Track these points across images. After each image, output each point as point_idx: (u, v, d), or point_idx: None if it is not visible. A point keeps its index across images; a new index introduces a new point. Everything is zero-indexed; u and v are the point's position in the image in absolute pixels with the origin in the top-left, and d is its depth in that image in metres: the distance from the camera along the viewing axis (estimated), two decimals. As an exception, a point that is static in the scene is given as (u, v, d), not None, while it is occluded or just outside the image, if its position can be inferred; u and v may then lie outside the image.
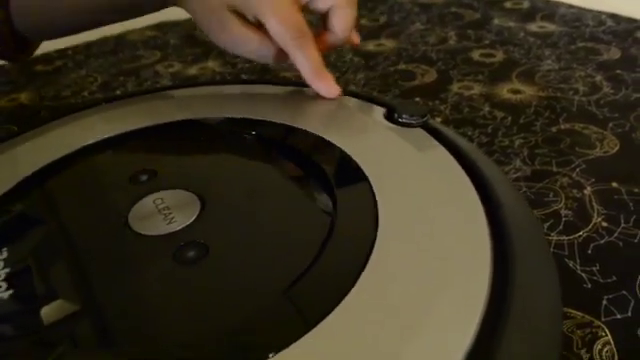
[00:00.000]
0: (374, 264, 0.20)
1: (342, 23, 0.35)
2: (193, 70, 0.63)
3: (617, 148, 0.43)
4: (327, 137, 0.29)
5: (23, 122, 0.56)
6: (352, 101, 0.33)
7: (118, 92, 0.61)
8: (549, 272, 0.22)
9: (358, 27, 0.39)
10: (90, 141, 0.31)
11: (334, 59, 0.61)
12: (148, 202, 0.25)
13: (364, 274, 0.20)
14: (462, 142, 0.29)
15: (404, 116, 0.31)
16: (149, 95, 0.36)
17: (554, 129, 0.46)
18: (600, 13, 0.70)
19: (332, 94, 0.34)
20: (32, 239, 0.24)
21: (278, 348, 0.18)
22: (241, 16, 0.34)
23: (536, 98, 0.51)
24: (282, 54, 0.34)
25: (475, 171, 0.26)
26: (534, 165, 0.41)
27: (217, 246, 0.22)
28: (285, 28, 0.33)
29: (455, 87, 0.54)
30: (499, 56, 0.61)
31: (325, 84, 0.34)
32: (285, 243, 0.23)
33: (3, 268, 0.22)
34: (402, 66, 0.59)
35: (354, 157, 0.28)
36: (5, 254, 0.23)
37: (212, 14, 0.34)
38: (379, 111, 0.32)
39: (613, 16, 0.69)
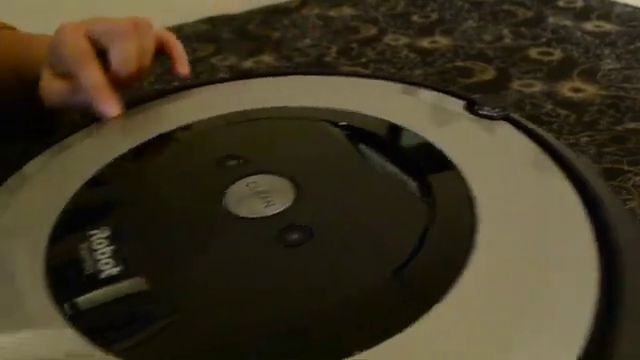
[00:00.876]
0: (481, 251, 0.21)
1: (117, 56, 0.34)
2: (249, 63, 0.64)
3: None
4: (411, 128, 0.30)
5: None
6: (432, 93, 0.34)
7: (176, 84, 0.62)
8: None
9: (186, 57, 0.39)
10: (176, 126, 0.31)
11: (389, 55, 0.61)
12: (242, 186, 0.26)
13: (472, 259, 0.20)
14: (545, 134, 0.29)
15: (485, 108, 0.31)
16: (232, 83, 0.37)
17: (620, 128, 0.46)
18: (658, 13, 0.69)
19: (111, 113, 0.34)
20: (132, 219, 0.25)
21: (393, 331, 0.18)
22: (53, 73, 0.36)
23: (599, 97, 0.51)
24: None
25: (565, 163, 0.26)
26: (603, 163, 0.41)
27: (321, 229, 0.23)
28: (68, 51, 0.34)
29: (515, 84, 0.54)
30: (557, 54, 0.60)
31: (105, 103, 0.34)
32: (385, 228, 0.23)
33: (108, 245, 0.23)
34: (459, 63, 0.59)
35: (440, 146, 0.28)
36: (107, 232, 0.24)
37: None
38: (459, 104, 0.32)
39: (672, 16, 0.67)
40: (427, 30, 0.69)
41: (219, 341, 0.19)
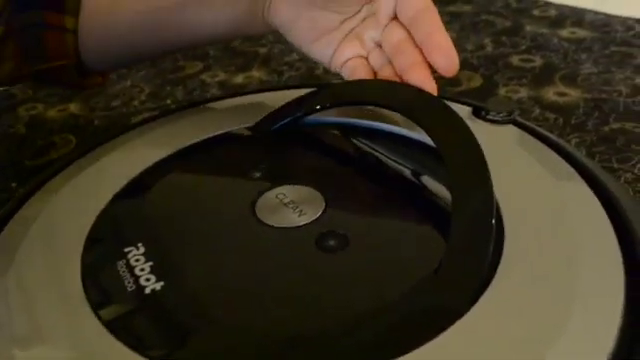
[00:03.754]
0: (509, 255, 0.22)
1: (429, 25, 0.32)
2: (239, 79, 0.65)
3: (670, 146, 0.45)
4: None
5: (79, 131, 0.58)
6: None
7: (168, 101, 0.62)
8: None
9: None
10: (201, 138, 0.32)
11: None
12: (272, 196, 0.27)
13: (502, 262, 0.21)
14: (551, 135, 0.31)
15: (492, 113, 0.33)
16: (247, 96, 0.38)
17: (606, 128, 0.48)
18: (627, 19, 0.72)
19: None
20: (168, 231, 0.26)
21: (437, 331, 0.19)
22: None
23: (582, 100, 0.53)
24: None
25: (576, 162, 0.28)
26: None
27: (356, 236, 0.24)
28: None
29: (502, 91, 0.56)
30: (538, 61, 0.63)
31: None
32: (415, 233, 0.24)
33: (146, 261, 0.24)
34: (446, 72, 0.61)
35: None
36: (143, 249, 0.24)
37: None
38: (466, 110, 0.34)
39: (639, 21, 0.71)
40: (411, 41, 0.71)
41: (262, 346, 0.20)
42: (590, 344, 0.18)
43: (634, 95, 0.53)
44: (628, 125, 0.48)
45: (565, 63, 0.62)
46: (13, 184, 0.49)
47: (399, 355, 0.18)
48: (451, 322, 0.19)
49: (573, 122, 0.49)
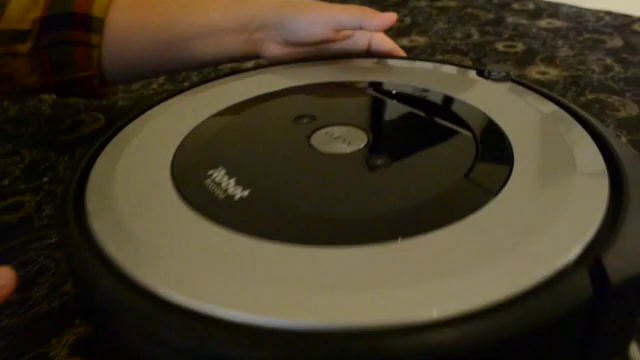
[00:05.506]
0: (518, 171, 0.27)
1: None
2: (249, 64, 0.70)
3: (637, 111, 0.52)
4: (446, 91, 0.37)
5: (105, 110, 0.62)
6: (450, 67, 0.41)
7: (186, 84, 0.67)
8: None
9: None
10: (257, 93, 0.38)
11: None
12: (322, 134, 0.33)
13: (514, 173, 0.27)
14: (543, 89, 0.37)
15: (493, 73, 0.39)
16: (289, 64, 0.44)
17: (583, 99, 0.55)
18: (598, 11, 0.80)
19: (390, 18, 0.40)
20: (239, 152, 0.31)
21: (470, 211, 0.25)
22: None
23: (562, 77, 0.60)
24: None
25: (566, 107, 0.34)
26: (575, 124, 0.50)
27: (398, 158, 0.29)
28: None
29: (491, 70, 0.62)
30: (520, 47, 0.70)
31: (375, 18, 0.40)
32: (445, 155, 0.30)
33: (230, 178, 0.28)
34: (439, 56, 0.68)
35: (470, 101, 0.35)
36: (224, 170, 0.29)
37: None
38: (472, 72, 0.40)
39: (609, 13, 0.79)
40: (404, 31, 0.78)
41: (324, 224, 0.24)
42: (581, 225, 0.24)
43: (606, 72, 0.61)
44: (602, 95, 0.55)
45: (544, 48, 0.69)
46: (52, 153, 0.53)
47: (447, 224, 0.23)
48: (478, 207, 0.25)
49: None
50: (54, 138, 0.57)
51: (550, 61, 0.65)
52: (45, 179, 0.49)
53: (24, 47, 0.45)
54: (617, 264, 0.21)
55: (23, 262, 0.38)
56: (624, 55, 0.65)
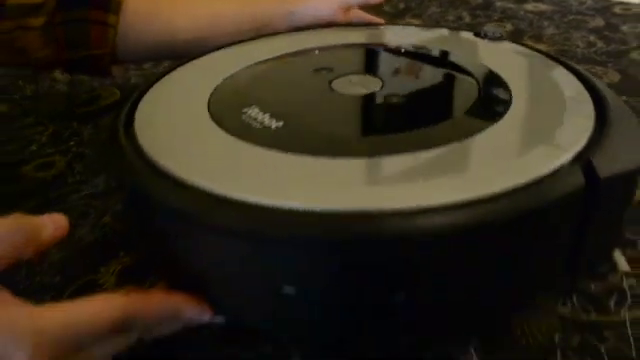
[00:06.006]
0: (518, 103, 0.32)
1: None
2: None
3: (618, 79, 0.57)
4: (450, 49, 0.41)
5: (119, 86, 0.65)
6: (451, 31, 0.46)
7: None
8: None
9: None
10: (276, 54, 0.42)
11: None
12: (341, 80, 0.36)
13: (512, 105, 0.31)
14: (536, 47, 0.42)
15: (489, 33, 0.43)
16: (305, 31, 0.48)
17: (569, 69, 0.59)
18: (580, -4, 0.85)
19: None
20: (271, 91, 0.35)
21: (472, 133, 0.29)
22: None
23: (549, 51, 0.65)
24: None
25: (556, 59, 0.38)
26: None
27: (410, 96, 0.34)
28: None
29: (484, 46, 0.67)
30: (509, 27, 0.74)
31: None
32: (453, 93, 0.35)
33: (265, 114, 0.32)
34: (434, 35, 0.72)
35: (473, 55, 0.39)
36: (258, 107, 0.33)
37: None
38: (470, 34, 0.44)
39: (591, -2, 0.84)
40: (399, 15, 0.82)
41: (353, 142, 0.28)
42: (574, 137, 0.28)
43: (589, 47, 0.65)
44: (586, 66, 0.60)
45: (531, 28, 0.74)
46: (74, 123, 0.56)
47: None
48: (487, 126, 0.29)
49: (543, 66, 0.61)
50: (73, 112, 0.60)
51: (538, 38, 0.69)
52: (72, 143, 0.52)
53: (37, 21, 0.47)
54: (604, 163, 0.25)
55: (63, 209, 0.41)
56: (606, 33, 0.70)
